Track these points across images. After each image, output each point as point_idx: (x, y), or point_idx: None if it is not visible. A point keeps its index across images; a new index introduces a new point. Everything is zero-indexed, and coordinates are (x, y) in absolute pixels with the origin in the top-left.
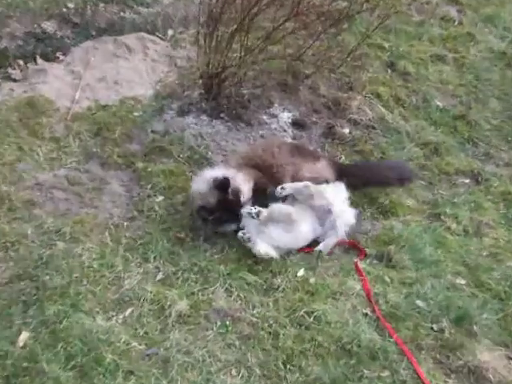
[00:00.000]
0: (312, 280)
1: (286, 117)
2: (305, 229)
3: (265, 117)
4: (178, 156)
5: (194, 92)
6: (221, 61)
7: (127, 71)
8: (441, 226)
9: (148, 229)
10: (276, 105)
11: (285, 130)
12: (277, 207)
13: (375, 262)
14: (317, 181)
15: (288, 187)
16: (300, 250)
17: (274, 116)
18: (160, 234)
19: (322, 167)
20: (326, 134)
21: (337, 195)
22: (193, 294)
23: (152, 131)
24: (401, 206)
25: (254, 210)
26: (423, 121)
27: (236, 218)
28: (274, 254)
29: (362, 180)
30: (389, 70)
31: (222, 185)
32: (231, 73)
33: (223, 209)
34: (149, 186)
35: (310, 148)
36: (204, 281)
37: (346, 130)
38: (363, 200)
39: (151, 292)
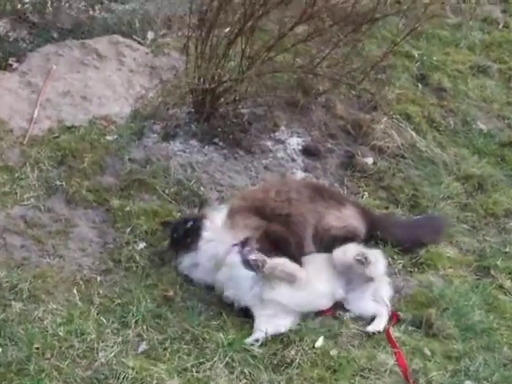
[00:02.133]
0: (334, 352)
1: (295, 143)
2: (321, 288)
3: (269, 143)
4: (163, 192)
5: (182, 111)
6: (216, 73)
7: (98, 84)
8: (491, 283)
9: (127, 285)
10: (283, 128)
11: (293, 160)
12: (281, 261)
13: (411, 329)
14: (344, 231)
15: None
16: (319, 312)
17: (281, 142)
18: (143, 292)
19: (350, 214)
20: (344, 165)
21: (378, 262)
22: (185, 369)
23: (130, 160)
24: (440, 256)
25: (258, 256)
26: (463, 148)
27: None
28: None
29: (395, 238)
30: (419, 85)
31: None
32: (228, 88)
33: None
34: (127, 230)
35: (331, 189)
36: (199, 353)
37: (370, 160)
38: (393, 249)
39: (133, 368)
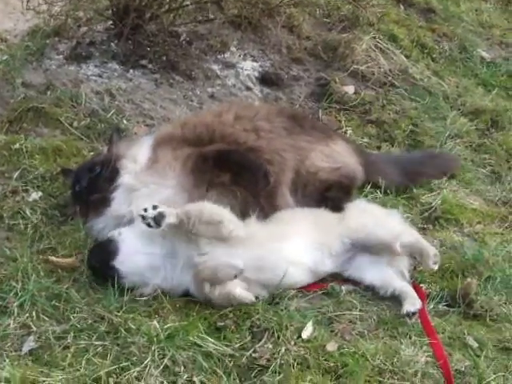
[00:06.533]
0: (331, 346)
1: (249, 68)
2: (291, 254)
3: (215, 67)
4: (70, 125)
5: (97, 26)
6: None
7: None
8: None
9: (11, 250)
10: (233, 49)
11: (249, 88)
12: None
13: (443, 308)
14: (338, 174)
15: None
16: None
17: (231, 66)
18: (33, 260)
19: (342, 151)
20: (317, 95)
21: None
22: (97, 381)
23: (23, 84)
24: (461, 208)
25: (151, 209)
26: (465, 79)
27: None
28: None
29: (390, 179)
30: (401, 6)
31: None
32: None
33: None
34: (15, 174)
35: (312, 117)
36: (120, 352)
37: (350, 89)
38: (398, 198)
39: (9, 381)
